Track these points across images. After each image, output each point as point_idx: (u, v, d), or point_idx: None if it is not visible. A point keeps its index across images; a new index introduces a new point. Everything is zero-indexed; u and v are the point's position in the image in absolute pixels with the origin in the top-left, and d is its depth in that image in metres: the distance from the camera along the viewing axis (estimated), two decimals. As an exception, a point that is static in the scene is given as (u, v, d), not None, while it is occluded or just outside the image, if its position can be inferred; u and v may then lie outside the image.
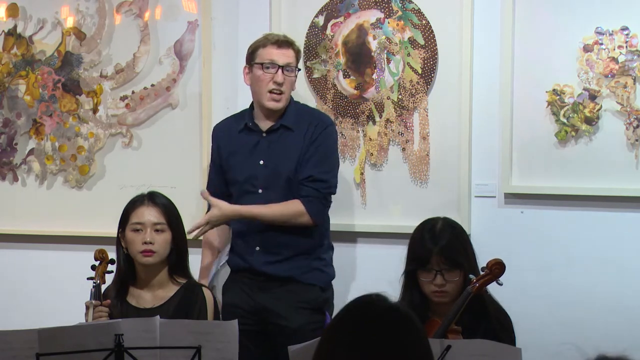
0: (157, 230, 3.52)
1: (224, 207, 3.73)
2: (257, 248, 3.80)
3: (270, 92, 3.76)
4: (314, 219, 3.77)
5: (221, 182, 3.92)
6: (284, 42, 3.78)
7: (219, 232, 3.95)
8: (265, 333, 3.75)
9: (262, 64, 3.76)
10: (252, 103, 3.89)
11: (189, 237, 3.66)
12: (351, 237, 4.24)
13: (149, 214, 3.54)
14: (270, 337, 3.76)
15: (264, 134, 3.83)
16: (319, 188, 3.77)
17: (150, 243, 3.49)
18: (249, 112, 3.88)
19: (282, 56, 3.76)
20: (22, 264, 4.62)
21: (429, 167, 4.13)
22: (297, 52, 3.82)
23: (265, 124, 3.83)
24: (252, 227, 3.79)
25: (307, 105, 4.02)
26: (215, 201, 3.74)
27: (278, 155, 3.80)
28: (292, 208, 3.75)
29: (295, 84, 3.87)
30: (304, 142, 3.78)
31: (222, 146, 3.92)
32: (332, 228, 3.97)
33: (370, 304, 1.95)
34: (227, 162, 3.88)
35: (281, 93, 3.76)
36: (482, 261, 3.42)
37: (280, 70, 3.75)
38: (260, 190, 3.79)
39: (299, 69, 3.88)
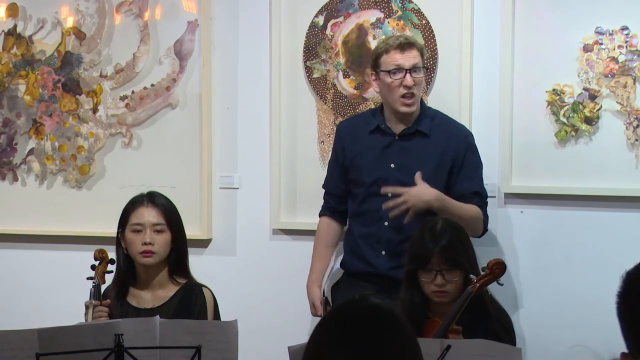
0: (156, 231, 3.52)
1: (429, 189, 3.63)
2: (383, 252, 3.78)
3: (402, 96, 3.73)
4: (483, 231, 3.79)
5: (341, 181, 3.90)
6: (406, 44, 3.73)
7: (337, 233, 3.95)
8: None
9: (388, 71, 3.72)
10: (382, 104, 3.87)
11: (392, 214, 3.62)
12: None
13: (149, 215, 3.53)
14: None
15: (397, 137, 3.80)
16: (485, 204, 3.79)
17: (150, 244, 3.49)
18: (379, 114, 3.85)
19: (408, 59, 3.72)
20: (22, 264, 4.62)
21: (429, 167, 4.13)
22: (420, 50, 3.77)
23: (397, 127, 3.80)
24: (377, 231, 3.75)
25: (441, 112, 3.95)
26: (419, 182, 3.64)
27: (412, 160, 3.76)
28: (477, 212, 3.73)
29: (423, 82, 3.83)
30: (450, 154, 3.75)
31: (347, 146, 3.88)
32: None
33: (352, 303, 1.97)
34: (352, 162, 3.85)
35: (413, 96, 3.73)
36: (482, 261, 3.42)
37: (408, 74, 3.71)
38: (390, 194, 3.74)
39: (427, 67, 3.84)
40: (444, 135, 3.79)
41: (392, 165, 3.78)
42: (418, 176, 3.64)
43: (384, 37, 3.96)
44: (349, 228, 3.93)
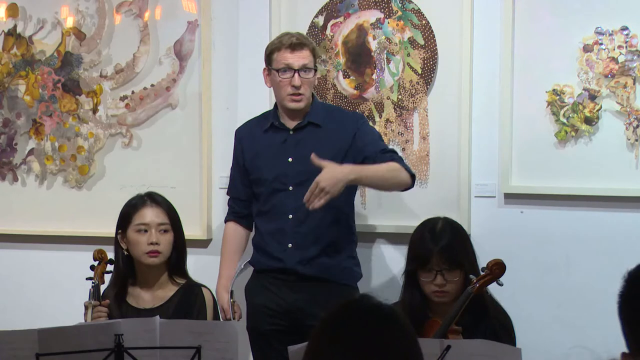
0: (161, 231, 3.52)
1: (337, 167, 3.57)
2: (290, 245, 3.78)
3: (290, 94, 3.77)
4: (412, 174, 3.72)
5: (245, 185, 3.91)
6: (297, 45, 3.77)
7: (244, 237, 3.96)
8: (298, 333, 3.69)
9: (278, 69, 3.76)
10: (276, 103, 3.89)
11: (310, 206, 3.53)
12: (351, 237, 4.23)
13: (154, 215, 3.54)
14: (303, 338, 3.72)
15: (291, 132, 3.83)
16: (399, 157, 3.76)
17: (157, 244, 3.49)
18: (273, 112, 3.88)
19: (297, 59, 3.75)
20: (22, 264, 4.62)
21: (428, 167, 4.13)
22: (312, 50, 3.81)
23: (291, 123, 3.83)
24: (283, 225, 3.77)
25: (333, 105, 4.07)
26: (324, 162, 3.58)
27: (308, 151, 3.74)
28: (392, 166, 3.69)
29: (315, 81, 3.88)
30: (345, 137, 3.77)
31: (246, 148, 3.90)
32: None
33: (353, 303, 1.97)
34: (253, 162, 3.87)
35: (300, 94, 3.77)
36: (482, 261, 3.42)
37: (296, 74, 3.74)
38: (291, 188, 3.77)
39: (316, 69, 3.85)
40: (336, 123, 3.82)
41: (290, 160, 3.79)
42: (314, 158, 3.58)
43: (280, 34, 3.96)
44: (256, 227, 3.94)
